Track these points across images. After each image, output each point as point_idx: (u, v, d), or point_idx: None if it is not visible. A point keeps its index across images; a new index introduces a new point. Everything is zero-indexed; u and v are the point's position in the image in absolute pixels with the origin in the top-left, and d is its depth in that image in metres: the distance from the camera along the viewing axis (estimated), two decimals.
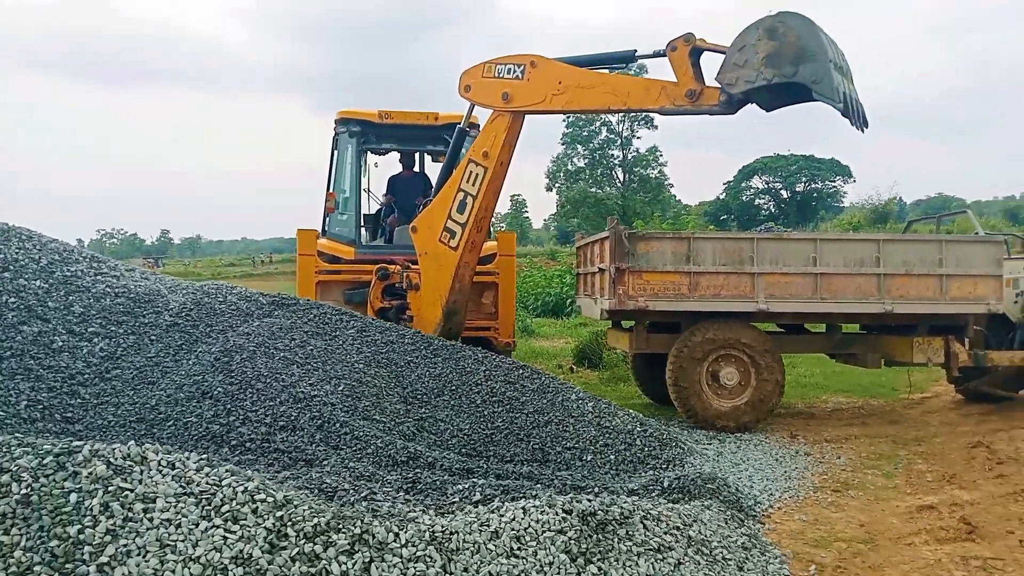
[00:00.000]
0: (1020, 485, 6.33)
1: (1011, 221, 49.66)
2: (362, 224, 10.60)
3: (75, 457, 3.73)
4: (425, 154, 11.25)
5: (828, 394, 10.49)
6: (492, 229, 9.90)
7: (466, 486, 5.06)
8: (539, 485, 5.25)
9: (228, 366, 6.17)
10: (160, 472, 3.77)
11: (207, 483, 3.69)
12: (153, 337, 6.60)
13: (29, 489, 3.45)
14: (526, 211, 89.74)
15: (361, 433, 5.76)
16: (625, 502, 4.48)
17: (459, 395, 6.81)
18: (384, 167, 11.80)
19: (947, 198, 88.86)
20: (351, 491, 4.55)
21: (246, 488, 3.66)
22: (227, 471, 3.90)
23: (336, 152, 10.59)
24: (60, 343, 6.20)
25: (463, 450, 6.24)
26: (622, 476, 6.13)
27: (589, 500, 4.36)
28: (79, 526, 3.34)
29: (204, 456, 3.96)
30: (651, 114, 60.04)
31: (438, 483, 5.13)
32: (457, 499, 4.72)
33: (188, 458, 3.90)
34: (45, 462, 3.67)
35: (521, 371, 7.26)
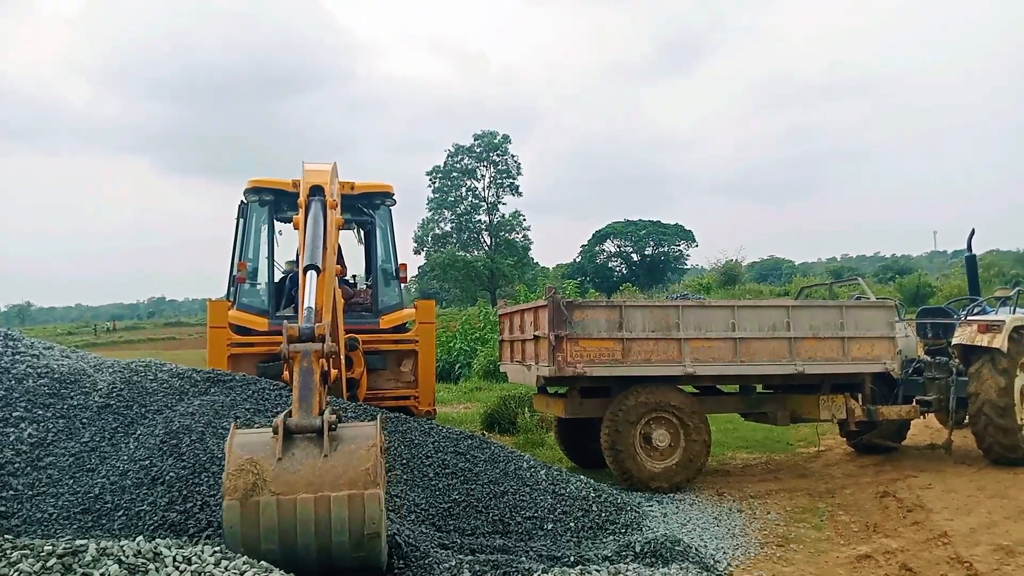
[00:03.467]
0: (935, 531, 6.94)
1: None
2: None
3: (81, 557, 3.47)
4: None
5: (732, 451, 11.03)
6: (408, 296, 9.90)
7: (452, 564, 5.01)
8: (523, 558, 5.26)
9: (178, 448, 5.82)
10: (178, 569, 3.57)
11: None
12: (85, 420, 6.16)
13: None
14: None
15: None
16: (629, 571, 4.59)
17: (410, 468, 6.73)
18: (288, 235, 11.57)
19: (778, 260, 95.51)
20: None
21: None
22: (245, 563, 3.73)
23: (244, 221, 10.32)
24: None
25: (422, 526, 6.14)
26: (584, 543, 6.22)
27: (598, 570, 4.44)
28: None
29: (218, 549, 3.77)
30: (515, 181, 62.65)
31: (423, 563, 5.04)
32: None
33: (203, 551, 3.70)
34: (49, 565, 3.38)
35: (469, 441, 7.26)
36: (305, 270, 5.70)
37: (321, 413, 4.50)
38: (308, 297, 5.39)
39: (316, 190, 6.55)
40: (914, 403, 9.75)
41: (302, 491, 4.14)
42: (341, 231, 10.98)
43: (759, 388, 9.36)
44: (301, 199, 6.50)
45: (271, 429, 4.39)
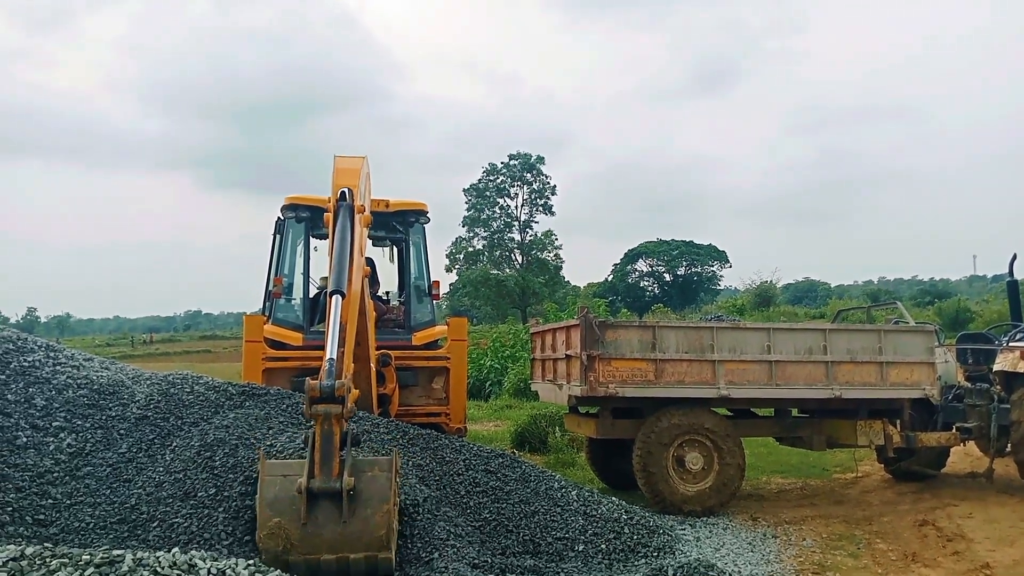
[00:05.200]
0: (976, 562, 6.76)
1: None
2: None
3: (118, 567, 3.50)
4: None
5: (766, 476, 10.87)
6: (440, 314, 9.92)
7: None
8: None
9: (212, 461, 5.88)
10: None
11: None
12: (122, 431, 6.24)
13: None
14: None
15: None
16: None
17: (442, 486, 6.71)
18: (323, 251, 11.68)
19: (814, 282, 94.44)
20: None
21: None
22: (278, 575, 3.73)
23: (280, 237, 10.44)
24: (24, 439, 5.81)
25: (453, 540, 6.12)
26: (616, 566, 6.16)
27: None
28: None
29: (252, 562, 3.78)
30: (548, 201, 62.79)
31: None
32: None
33: (236, 564, 3.72)
34: (87, 575, 3.42)
35: (500, 459, 7.23)
36: (331, 295, 5.78)
37: (340, 474, 4.88)
38: (331, 343, 5.41)
39: (344, 197, 6.51)
40: (954, 430, 9.54)
41: (325, 552, 4.81)
42: (375, 247, 11.19)
43: (795, 412, 9.23)
44: (331, 203, 6.53)
45: (296, 483, 4.84)
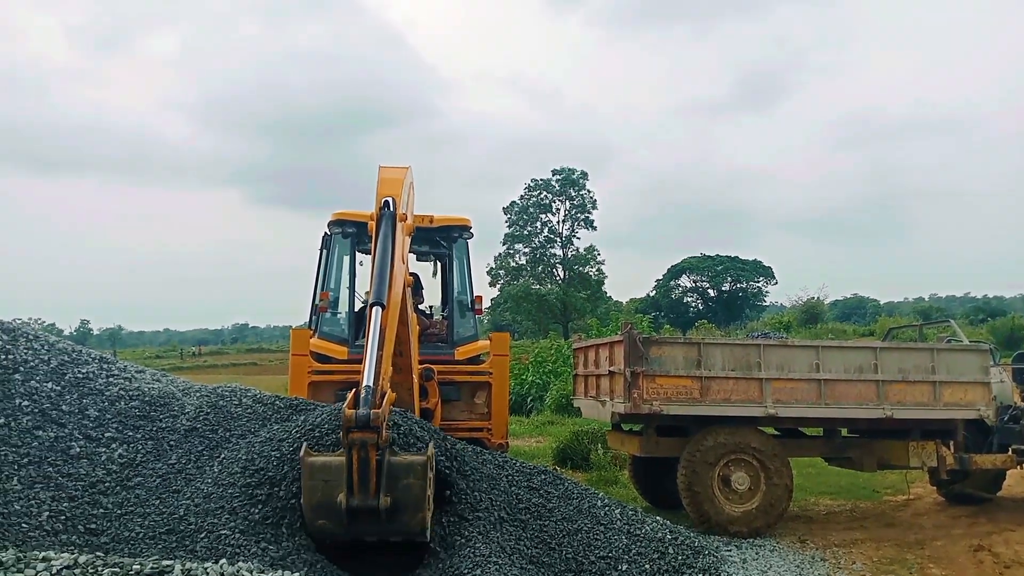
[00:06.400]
0: None
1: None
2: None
3: None
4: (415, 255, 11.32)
5: (814, 497, 10.65)
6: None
7: None
8: None
9: (258, 475, 5.94)
10: None
11: None
12: (172, 442, 6.33)
13: None
14: None
15: None
16: None
17: (486, 503, 6.68)
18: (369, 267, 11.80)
19: (863, 299, 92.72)
20: None
21: None
22: None
23: (327, 252, 10.57)
24: (78, 449, 5.93)
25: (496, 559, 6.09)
26: None
27: None
28: None
29: (299, 573, 3.81)
30: (590, 216, 62.77)
31: None
32: None
33: None
34: None
35: (543, 476, 7.18)
36: (371, 306, 5.87)
37: (377, 494, 5.04)
38: (369, 366, 5.44)
39: (387, 205, 6.58)
40: (1010, 452, 9.27)
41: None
42: (419, 262, 11.27)
43: (844, 432, 9.04)
44: (374, 212, 6.62)
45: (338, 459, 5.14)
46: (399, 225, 6.53)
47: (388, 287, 6.06)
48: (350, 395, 5.27)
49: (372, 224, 6.58)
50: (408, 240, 7.01)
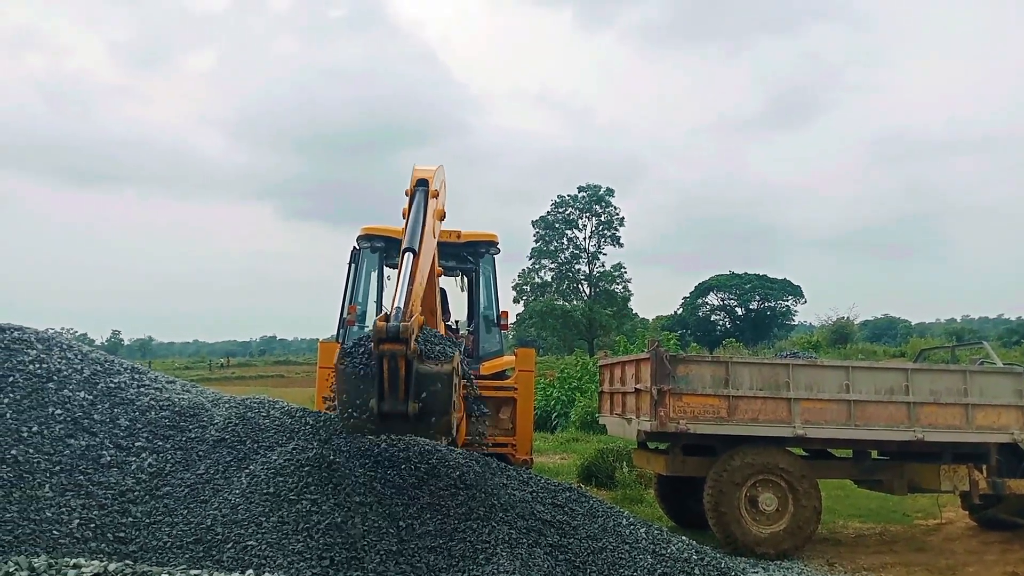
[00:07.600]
0: None
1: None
2: None
3: None
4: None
5: (843, 519, 10.49)
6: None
7: None
8: None
9: (284, 486, 5.97)
10: None
11: None
12: (201, 453, 6.39)
13: None
14: None
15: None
16: None
17: (510, 519, 6.66)
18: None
19: (893, 319, 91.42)
20: None
21: None
22: None
23: (355, 266, 10.66)
24: (108, 458, 6.00)
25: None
26: None
27: None
28: None
29: None
30: (616, 232, 62.70)
31: None
32: None
33: None
34: None
35: (568, 494, 7.16)
36: (404, 252, 6.08)
37: (406, 399, 5.35)
38: (400, 293, 5.72)
39: (422, 183, 6.79)
40: None
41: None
42: (446, 277, 11.31)
43: (874, 454, 8.91)
44: (408, 189, 6.79)
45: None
46: (431, 202, 6.68)
47: (420, 237, 6.25)
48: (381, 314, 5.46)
49: (405, 208, 6.70)
50: (439, 225, 7.13)
